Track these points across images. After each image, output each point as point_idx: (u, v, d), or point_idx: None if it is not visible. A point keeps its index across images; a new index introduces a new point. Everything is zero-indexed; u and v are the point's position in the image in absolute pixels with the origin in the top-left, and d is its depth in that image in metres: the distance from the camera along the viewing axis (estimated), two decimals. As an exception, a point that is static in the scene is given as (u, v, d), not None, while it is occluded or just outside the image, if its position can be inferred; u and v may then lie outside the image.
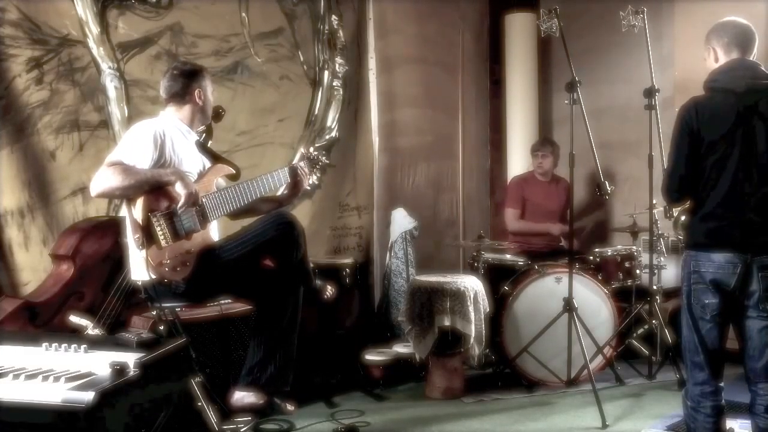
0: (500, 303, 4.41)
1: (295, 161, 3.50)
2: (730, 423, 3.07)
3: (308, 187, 4.47)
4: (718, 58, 2.74)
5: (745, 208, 2.59)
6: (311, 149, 3.98)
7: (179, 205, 2.92)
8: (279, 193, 3.47)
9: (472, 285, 4.20)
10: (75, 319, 2.99)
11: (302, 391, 3.66)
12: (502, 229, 5.52)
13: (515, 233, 5.25)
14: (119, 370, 1.78)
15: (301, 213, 4.66)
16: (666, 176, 2.77)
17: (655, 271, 4.42)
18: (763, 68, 2.68)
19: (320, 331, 4.23)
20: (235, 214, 3.26)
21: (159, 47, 4.12)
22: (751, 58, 2.71)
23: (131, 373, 1.81)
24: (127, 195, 2.88)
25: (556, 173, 5.36)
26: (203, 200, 3.03)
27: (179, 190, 2.92)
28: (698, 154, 2.63)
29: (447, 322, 4.07)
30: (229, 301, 3.61)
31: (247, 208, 3.26)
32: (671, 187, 2.73)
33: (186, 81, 3.13)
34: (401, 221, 5.12)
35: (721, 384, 2.70)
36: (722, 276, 2.59)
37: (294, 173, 3.34)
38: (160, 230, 2.87)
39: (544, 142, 5.42)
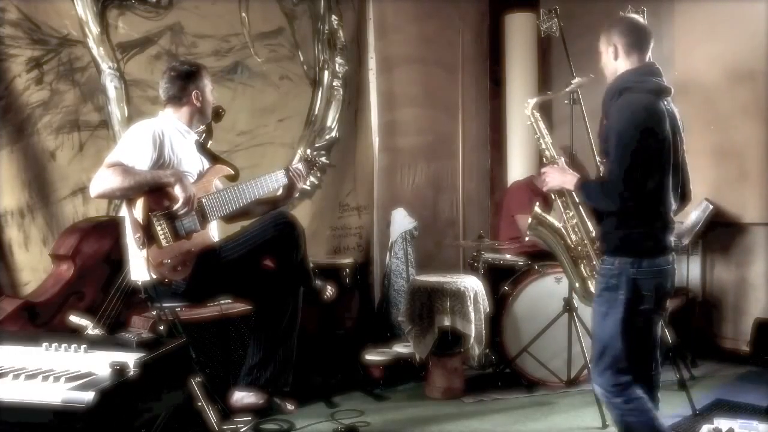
0: (500, 303, 4.41)
1: (294, 162, 3.49)
2: (730, 423, 3.07)
3: (308, 187, 4.49)
4: (618, 55, 2.69)
5: (674, 213, 2.64)
6: (309, 150, 3.98)
7: (176, 208, 2.92)
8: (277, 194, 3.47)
9: (472, 285, 4.20)
10: (75, 319, 2.99)
11: (302, 391, 3.65)
12: (508, 236, 5.15)
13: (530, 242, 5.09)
14: (119, 370, 1.78)
15: (301, 213, 4.66)
16: (619, 180, 2.51)
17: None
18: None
19: (320, 331, 4.24)
20: (232, 217, 3.26)
21: (159, 47, 4.12)
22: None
23: (131, 373, 1.81)
24: (127, 196, 2.89)
25: None
26: (203, 201, 3.04)
27: (177, 192, 2.92)
28: (654, 157, 2.53)
29: (447, 322, 4.07)
30: (229, 301, 3.62)
31: (243, 210, 3.26)
32: (624, 192, 2.51)
33: (182, 83, 3.12)
34: (401, 221, 5.12)
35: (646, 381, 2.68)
36: (663, 280, 2.61)
37: (289, 176, 3.34)
38: (161, 230, 2.87)
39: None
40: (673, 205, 2.65)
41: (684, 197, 2.75)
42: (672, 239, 2.65)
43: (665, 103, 2.63)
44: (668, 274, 2.63)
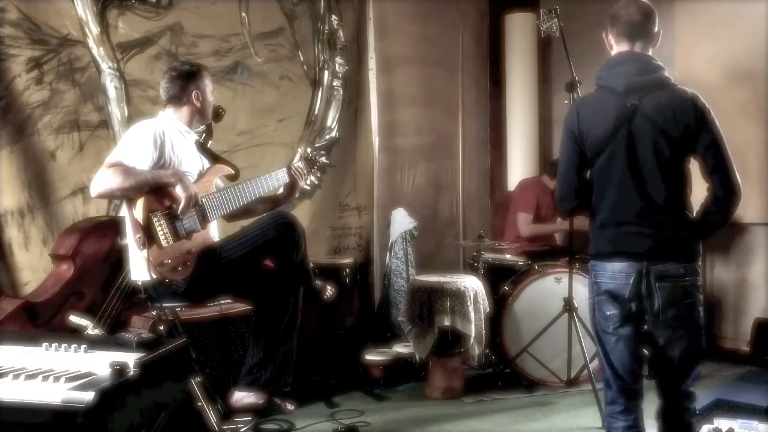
0: (500, 303, 4.41)
1: (294, 161, 3.50)
2: (730, 423, 3.07)
3: (308, 187, 4.49)
4: (611, 46, 2.52)
5: (637, 215, 2.40)
6: (309, 149, 3.98)
7: (180, 209, 2.92)
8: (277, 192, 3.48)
9: (472, 285, 4.20)
10: (75, 319, 2.99)
11: (302, 391, 3.65)
12: (514, 235, 5.18)
13: (529, 238, 5.05)
14: (119, 370, 1.78)
15: (301, 213, 4.66)
16: (557, 186, 2.58)
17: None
18: (654, 61, 2.43)
19: (320, 331, 4.23)
20: (233, 215, 3.26)
21: (159, 47, 4.12)
22: (647, 47, 2.46)
23: (131, 373, 1.81)
24: (127, 196, 2.88)
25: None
26: (203, 200, 3.04)
27: (179, 191, 2.92)
28: (585, 160, 2.46)
29: (447, 322, 4.07)
30: (229, 301, 3.62)
31: (245, 208, 3.26)
32: (562, 197, 2.54)
33: (183, 83, 3.13)
34: (401, 221, 5.12)
35: (634, 404, 2.49)
36: (616, 286, 2.42)
37: (291, 174, 3.34)
38: (161, 230, 2.87)
39: None
40: (641, 209, 2.39)
41: (657, 198, 2.40)
42: (630, 243, 2.40)
43: (627, 98, 2.38)
44: (625, 282, 2.41)
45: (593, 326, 2.56)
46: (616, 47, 2.50)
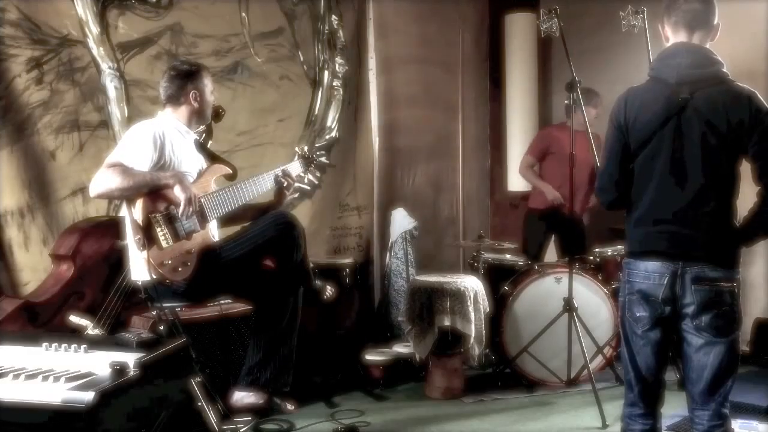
0: (500, 303, 4.41)
1: (290, 163, 3.48)
2: (730, 423, 3.06)
3: (308, 187, 4.49)
4: (667, 37, 2.39)
5: (675, 213, 2.30)
6: (306, 148, 3.97)
7: (179, 212, 2.92)
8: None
9: (472, 285, 4.20)
10: (75, 319, 3.00)
11: (302, 391, 3.65)
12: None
13: (523, 175, 5.41)
14: (119, 370, 1.78)
15: (301, 213, 4.66)
16: (597, 177, 2.50)
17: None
18: (711, 55, 2.32)
19: (320, 331, 4.24)
20: (224, 220, 3.25)
21: (159, 47, 4.12)
22: (706, 38, 2.35)
23: (131, 373, 1.81)
24: (126, 196, 2.89)
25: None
26: (202, 200, 3.04)
27: (178, 193, 2.92)
28: (629, 152, 2.37)
29: (447, 322, 4.07)
30: (229, 301, 3.62)
31: (235, 213, 3.23)
32: (601, 188, 2.46)
33: (181, 83, 3.13)
34: (401, 221, 5.13)
35: (653, 409, 2.43)
36: (648, 286, 2.32)
37: (278, 180, 3.31)
38: (161, 231, 2.88)
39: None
40: (682, 207, 2.30)
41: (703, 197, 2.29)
42: (665, 242, 2.31)
43: (679, 90, 2.28)
44: (658, 282, 2.31)
45: (621, 326, 2.46)
46: (673, 37, 2.38)
